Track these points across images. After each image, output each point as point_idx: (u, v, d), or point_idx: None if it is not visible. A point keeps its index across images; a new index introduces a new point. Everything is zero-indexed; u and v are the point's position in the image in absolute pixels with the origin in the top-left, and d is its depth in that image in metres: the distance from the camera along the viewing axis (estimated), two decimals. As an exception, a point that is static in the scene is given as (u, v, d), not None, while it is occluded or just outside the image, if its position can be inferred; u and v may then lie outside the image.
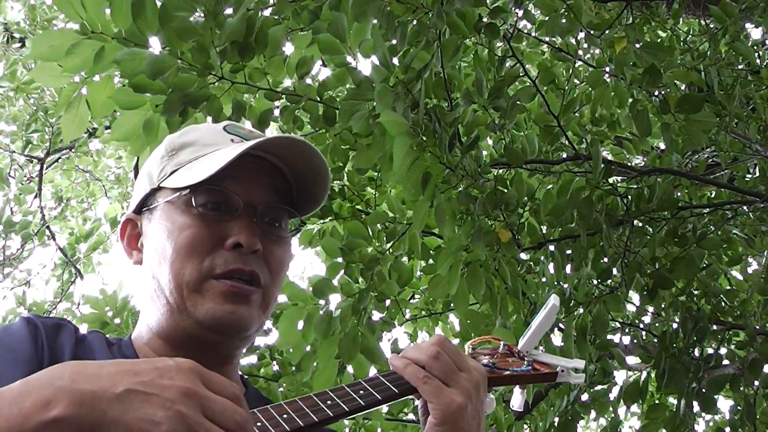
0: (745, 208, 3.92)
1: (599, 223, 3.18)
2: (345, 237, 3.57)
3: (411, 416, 4.47)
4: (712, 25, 4.03)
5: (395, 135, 2.70)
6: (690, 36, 4.54)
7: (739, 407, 3.50)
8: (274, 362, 4.49)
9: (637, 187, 3.61)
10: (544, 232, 3.57)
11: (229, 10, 2.84)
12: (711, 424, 5.26)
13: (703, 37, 4.16)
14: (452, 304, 3.98)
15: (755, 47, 4.52)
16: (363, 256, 3.35)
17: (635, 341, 4.03)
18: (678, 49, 3.91)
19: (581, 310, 3.32)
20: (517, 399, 1.27)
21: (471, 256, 3.05)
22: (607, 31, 3.57)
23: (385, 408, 4.08)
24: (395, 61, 2.97)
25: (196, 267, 1.13)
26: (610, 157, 4.45)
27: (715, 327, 3.60)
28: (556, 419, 3.53)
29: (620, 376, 4.61)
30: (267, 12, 3.19)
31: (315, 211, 1.27)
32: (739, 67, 3.92)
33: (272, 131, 3.85)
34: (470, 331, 3.38)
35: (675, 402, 3.47)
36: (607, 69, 3.59)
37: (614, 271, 3.42)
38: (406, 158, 2.75)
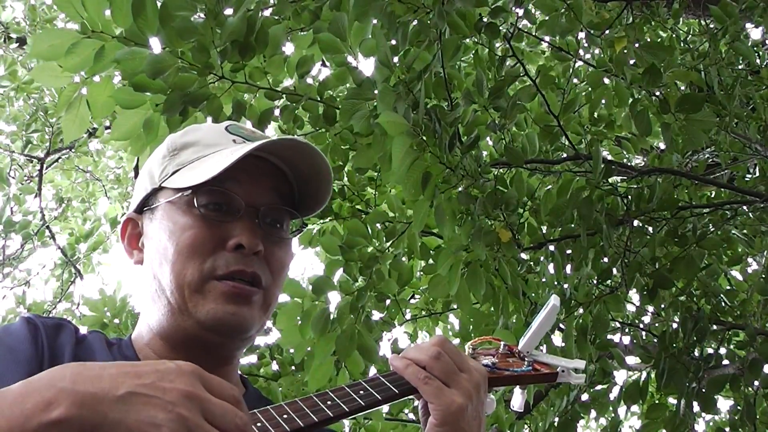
0: (745, 208, 3.92)
1: (599, 223, 3.18)
2: (345, 236, 3.57)
3: (411, 416, 4.47)
4: (712, 25, 4.03)
5: (394, 135, 2.70)
6: (690, 36, 4.54)
7: (739, 407, 3.50)
8: (274, 362, 4.50)
9: (637, 187, 3.61)
10: (544, 232, 3.57)
11: (229, 11, 2.84)
12: (711, 424, 5.26)
13: (703, 37, 4.16)
14: (452, 304, 3.99)
15: (755, 47, 4.53)
16: (362, 255, 3.35)
17: (635, 341, 4.02)
18: (678, 49, 3.92)
19: (581, 310, 3.32)
20: (518, 399, 1.27)
21: (471, 256, 3.05)
22: (607, 31, 3.57)
23: (385, 408, 4.08)
24: (396, 60, 2.97)
25: (197, 268, 1.13)
26: (609, 157, 4.45)
27: (715, 327, 3.60)
28: (556, 419, 3.53)
29: (620, 376, 4.62)
30: (267, 12, 3.19)
31: (317, 212, 1.27)
32: (739, 67, 3.92)
33: (272, 130, 3.85)
34: (470, 331, 3.38)
35: (675, 402, 3.47)
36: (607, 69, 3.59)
37: (614, 271, 3.42)
38: (406, 158, 2.75)
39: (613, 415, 3.99)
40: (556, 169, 3.68)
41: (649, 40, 3.91)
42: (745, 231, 4.04)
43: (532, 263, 3.56)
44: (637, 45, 3.41)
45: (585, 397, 3.73)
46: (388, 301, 3.55)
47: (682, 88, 3.90)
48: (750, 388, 3.41)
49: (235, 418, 0.83)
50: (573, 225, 3.34)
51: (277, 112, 3.27)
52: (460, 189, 3.03)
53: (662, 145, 4.73)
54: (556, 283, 3.33)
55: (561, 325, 3.36)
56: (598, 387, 3.75)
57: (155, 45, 2.78)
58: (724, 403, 4.58)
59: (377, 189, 4.17)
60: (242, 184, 1.17)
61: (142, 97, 2.90)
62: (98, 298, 5.09)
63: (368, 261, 3.30)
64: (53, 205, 9.40)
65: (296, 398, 1.02)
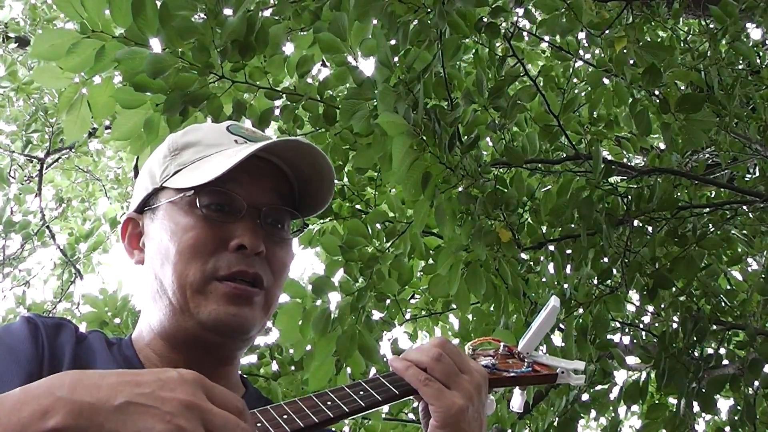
0: (745, 208, 3.92)
1: (599, 223, 3.18)
2: (345, 236, 3.57)
3: (411, 416, 4.47)
4: (712, 25, 4.03)
5: (394, 135, 2.70)
6: (690, 36, 4.54)
7: (739, 407, 3.50)
8: (274, 361, 4.50)
9: (637, 187, 3.61)
10: (544, 232, 3.57)
11: (229, 11, 2.84)
12: (711, 424, 5.26)
13: (703, 37, 4.15)
14: (452, 304, 3.99)
15: (755, 47, 4.53)
16: (362, 255, 3.35)
17: (635, 341, 4.03)
18: (678, 49, 3.92)
19: (581, 310, 3.32)
20: (517, 400, 1.27)
21: (471, 256, 3.05)
22: (607, 31, 3.57)
23: (384, 408, 4.08)
24: (396, 60, 2.97)
25: (199, 268, 1.13)
26: (609, 157, 4.45)
27: (715, 327, 3.60)
28: (556, 419, 3.53)
29: (620, 376, 4.62)
30: (267, 12, 3.19)
31: (319, 213, 1.27)
32: (739, 67, 3.92)
33: (272, 130, 3.85)
34: (470, 331, 3.38)
35: (675, 402, 3.47)
36: (607, 69, 3.59)
37: (614, 271, 3.42)
38: (406, 158, 2.75)
39: (613, 415, 4.00)
40: (556, 169, 3.68)
41: (649, 39, 3.91)
42: (745, 231, 4.04)
43: (532, 263, 3.56)
44: (637, 45, 3.41)
45: (585, 397, 3.73)
46: (388, 301, 3.55)
47: (682, 88, 3.91)
48: (750, 388, 3.41)
49: (237, 429, 0.82)
50: (573, 225, 3.34)
51: (277, 111, 3.27)
52: (460, 189, 3.03)
53: (662, 145, 4.73)
54: (556, 283, 3.33)
55: (561, 325, 3.36)
56: (598, 387, 3.75)
57: (155, 45, 2.78)
58: (724, 403, 4.58)
59: (377, 189, 4.17)
60: (244, 185, 1.17)
61: (143, 97, 2.90)
62: (99, 296, 5.08)
63: (368, 261, 3.30)
64: (53, 205, 9.41)
65: (296, 398, 1.02)
